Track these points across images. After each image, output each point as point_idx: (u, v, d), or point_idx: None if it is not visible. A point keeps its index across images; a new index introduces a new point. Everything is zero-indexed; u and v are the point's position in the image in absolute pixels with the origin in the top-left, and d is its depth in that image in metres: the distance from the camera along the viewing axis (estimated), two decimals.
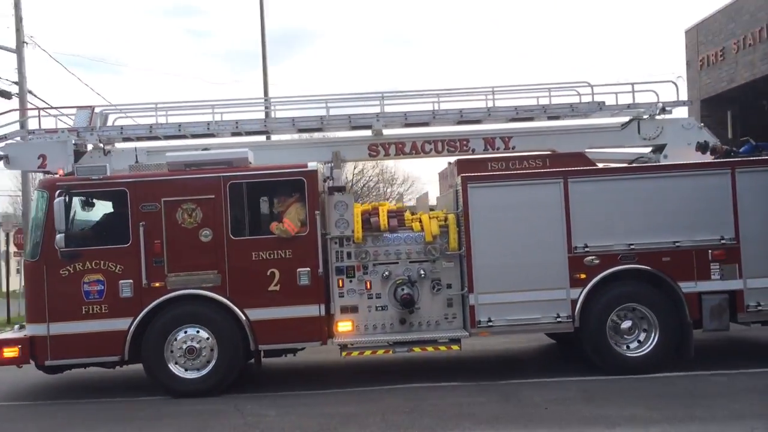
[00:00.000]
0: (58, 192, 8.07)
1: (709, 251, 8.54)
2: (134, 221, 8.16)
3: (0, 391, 9.07)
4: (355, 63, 73.23)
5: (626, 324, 8.47)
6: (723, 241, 8.54)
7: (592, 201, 8.56)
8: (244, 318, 8.16)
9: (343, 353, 8.37)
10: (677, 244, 8.52)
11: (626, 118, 10.46)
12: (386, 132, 10.49)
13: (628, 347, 8.50)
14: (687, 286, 8.46)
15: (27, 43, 20.35)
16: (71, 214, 8.22)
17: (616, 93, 10.36)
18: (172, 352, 8.15)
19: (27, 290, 8.75)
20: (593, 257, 8.44)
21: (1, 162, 9.77)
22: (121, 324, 8.08)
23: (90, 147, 10.05)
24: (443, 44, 79.42)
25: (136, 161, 8.83)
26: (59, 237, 7.94)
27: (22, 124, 10.53)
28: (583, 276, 8.40)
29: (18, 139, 9.97)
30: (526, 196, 8.55)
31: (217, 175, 8.33)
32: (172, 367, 8.15)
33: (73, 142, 9.73)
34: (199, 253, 8.19)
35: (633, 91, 10.30)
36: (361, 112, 10.30)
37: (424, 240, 8.46)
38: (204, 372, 8.18)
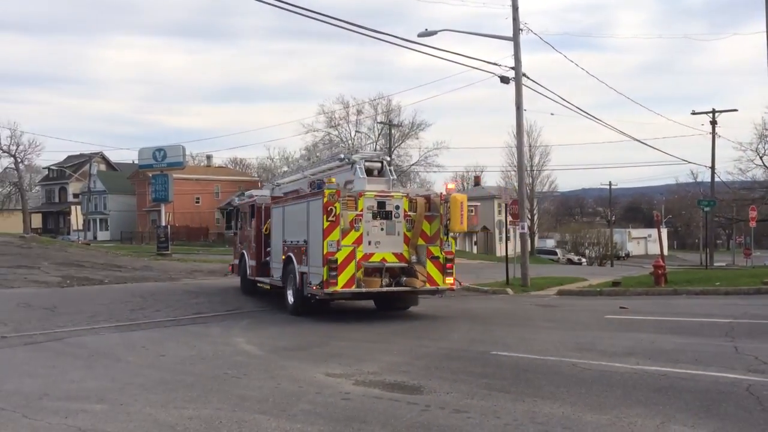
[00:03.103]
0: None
1: (302, 248, 13.36)
2: None
3: None
4: None
5: None
6: (304, 241, 13.34)
7: (285, 216, 15.11)
8: None
9: None
10: (296, 241, 13.71)
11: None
12: None
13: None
14: (299, 267, 13.73)
15: (522, 30, 22.60)
16: None
17: None
18: None
19: None
20: (285, 246, 14.69)
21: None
22: None
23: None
24: None
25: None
26: None
27: None
28: (284, 256, 14.80)
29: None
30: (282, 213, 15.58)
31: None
32: None
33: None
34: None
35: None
36: None
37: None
38: None
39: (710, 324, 11.68)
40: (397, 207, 13.22)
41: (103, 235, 76.50)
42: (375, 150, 66.37)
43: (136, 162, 54.18)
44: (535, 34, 25.30)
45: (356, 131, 75.45)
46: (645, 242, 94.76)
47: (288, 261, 14.37)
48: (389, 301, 14.48)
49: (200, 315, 14.60)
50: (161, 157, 43.57)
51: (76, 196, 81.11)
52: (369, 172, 13.86)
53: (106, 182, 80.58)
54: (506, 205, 23.79)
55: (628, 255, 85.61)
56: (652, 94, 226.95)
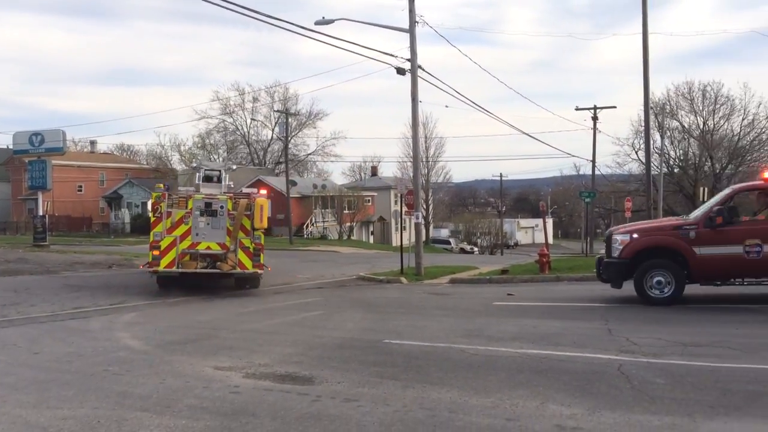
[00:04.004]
0: None
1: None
2: None
3: None
4: None
5: None
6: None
7: None
8: None
9: None
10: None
11: None
12: None
13: None
14: None
15: (418, 23, 22.39)
16: None
17: None
18: None
19: None
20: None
21: None
22: None
23: None
24: None
25: None
26: None
27: None
28: None
29: None
30: None
31: None
32: None
33: None
34: None
35: None
36: None
37: None
38: None
39: (588, 308, 12.40)
40: (222, 207, 16.43)
41: None
42: (274, 137, 65.43)
43: (11, 147, 50.35)
44: (430, 27, 25.89)
45: (252, 119, 73.87)
46: (533, 231, 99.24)
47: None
48: (214, 280, 17.22)
49: (81, 309, 13.82)
50: (38, 142, 40.68)
51: None
52: (209, 179, 18.47)
53: None
54: (402, 195, 24.09)
55: (516, 244, 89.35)
56: (541, 90, 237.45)
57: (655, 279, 12.24)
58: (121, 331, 10.95)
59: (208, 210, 16.38)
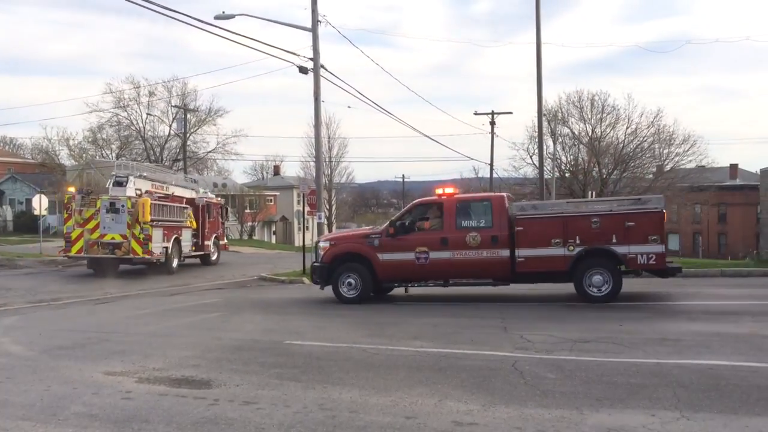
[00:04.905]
0: None
1: None
2: None
3: None
4: None
5: None
6: None
7: None
8: None
9: None
10: None
11: None
12: None
13: None
14: None
15: (320, 22, 22.49)
16: None
17: None
18: None
19: None
20: None
21: None
22: None
23: None
24: None
25: None
26: None
27: None
28: None
29: None
30: None
31: None
32: None
33: None
34: None
35: None
36: None
37: None
38: None
39: (485, 306, 12.79)
40: (123, 206, 20.98)
41: None
42: (172, 133, 63.69)
43: None
44: (333, 27, 25.76)
45: (148, 114, 70.95)
46: None
47: None
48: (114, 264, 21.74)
49: None
50: None
51: None
52: (119, 183, 21.92)
53: None
54: (304, 195, 23.93)
55: None
56: (442, 94, 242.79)
57: (347, 281, 13.75)
58: (1, 336, 10.24)
59: (113, 208, 20.95)
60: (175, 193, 24.82)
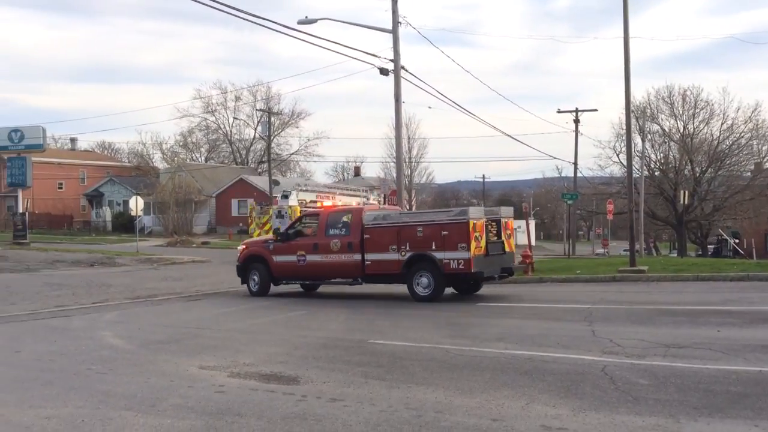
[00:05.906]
0: None
1: None
2: None
3: None
4: None
5: None
6: None
7: None
8: None
9: None
10: None
11: None
12: None
13: None
14: None
15: (401, 23, 23.08)
16: None
17: None
18: None
19: None
20: None
21: None
22: None
23: None
24: None
25: None
26: None
27: None
28: None
29: None
30: None
31: None
32: None
33: None
34: None
35: None
36: None
37: None
38: None
39: (571, 309, 12.49)
40: (286, 213, 28.55)
41: None
42: (257, 136, 65.21)
43: None
44: (413, 28, 25.82)
45: (234, 118, 73.42)
46: (515, 233, 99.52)
47: None
48: None
49: (62, 308, 13.68)
50: (18, 138, 40.17)
51: None
52: (285, 196, 31.01)
53: None
54: (385, 195, 24.12)
55: None
56: (522, 92, 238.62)
57: (252, 277, 16.11)
58: (103, 330, 10.85)
59: (279, 215, 28.72)
60: (341, 201, 28.19)
